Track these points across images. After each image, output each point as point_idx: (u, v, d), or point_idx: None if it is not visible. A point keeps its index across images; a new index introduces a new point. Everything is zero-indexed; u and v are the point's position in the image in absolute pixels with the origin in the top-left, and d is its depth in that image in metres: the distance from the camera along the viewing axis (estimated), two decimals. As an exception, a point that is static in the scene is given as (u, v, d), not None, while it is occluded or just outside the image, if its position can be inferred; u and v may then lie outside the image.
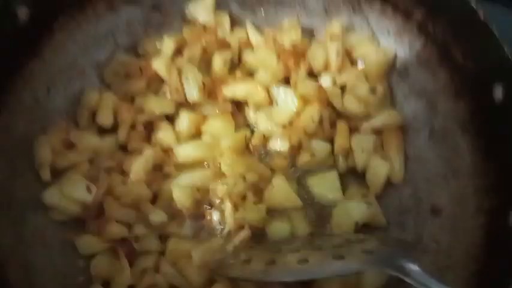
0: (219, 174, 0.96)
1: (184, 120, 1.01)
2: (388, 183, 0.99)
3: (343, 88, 1.04)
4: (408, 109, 1.02)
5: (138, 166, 0.94)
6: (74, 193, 0.89)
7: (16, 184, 0.90)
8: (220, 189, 0.93)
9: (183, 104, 1.04)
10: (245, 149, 1.02)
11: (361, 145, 0.99)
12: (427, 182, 0.96)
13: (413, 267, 0.71)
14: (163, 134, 1.00)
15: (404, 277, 0.70)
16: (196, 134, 1.03)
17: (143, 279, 0.86)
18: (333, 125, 1.03)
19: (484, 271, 0.78)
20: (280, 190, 0.95)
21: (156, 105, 1.01)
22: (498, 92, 0.84)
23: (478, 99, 0.90)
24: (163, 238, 0.93)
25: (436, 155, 0.96)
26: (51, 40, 0.99)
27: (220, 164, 0.97)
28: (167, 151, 1.00)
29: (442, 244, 0.88)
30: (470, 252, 0.83)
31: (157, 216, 0.92)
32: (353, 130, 1.02)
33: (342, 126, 1.02)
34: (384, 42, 1.06)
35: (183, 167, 0.99)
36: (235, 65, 1.11)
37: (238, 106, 1.06)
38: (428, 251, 0.88)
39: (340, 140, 1.01)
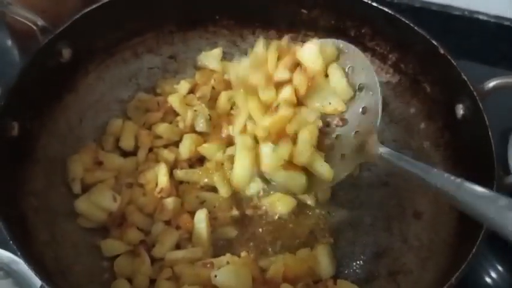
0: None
1: (186, 142, 1.15)
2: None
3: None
4: (389, 134, 1.19)
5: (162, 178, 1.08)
6: (101, 202, 1.02)
7: (51, 194, 1.03)
8: None
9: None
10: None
11: None
12: (409, 191, 1.10)
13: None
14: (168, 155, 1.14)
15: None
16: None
17: (161, 273, 0.96)
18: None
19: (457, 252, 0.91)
20: None
21: (170, 133, 1.17)
22: (459, 111, 1.02)
23: (445, 119, 1.07)
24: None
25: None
26: (85, 79, 1.17)
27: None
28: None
29: (424, 241, 1.01)
30: (447, 241, 0.96)
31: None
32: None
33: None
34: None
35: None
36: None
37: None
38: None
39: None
